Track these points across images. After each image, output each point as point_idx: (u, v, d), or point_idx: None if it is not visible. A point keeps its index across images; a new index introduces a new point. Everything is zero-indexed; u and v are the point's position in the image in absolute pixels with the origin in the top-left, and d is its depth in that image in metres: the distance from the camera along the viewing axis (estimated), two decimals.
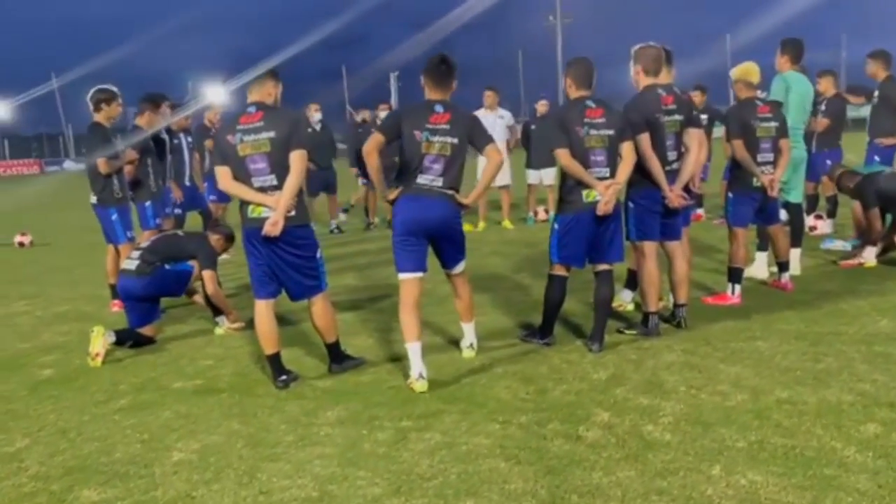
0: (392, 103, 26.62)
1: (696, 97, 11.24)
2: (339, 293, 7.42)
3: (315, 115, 12.25)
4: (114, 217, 7.09)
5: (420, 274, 4.76)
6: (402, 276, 4.75)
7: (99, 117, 7.05)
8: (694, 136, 5.45)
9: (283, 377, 4.78)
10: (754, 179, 6.13)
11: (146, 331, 5.91)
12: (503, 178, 11.56)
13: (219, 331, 6.17)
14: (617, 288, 6.42)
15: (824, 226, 9.29)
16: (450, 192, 4.72)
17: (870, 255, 7.40)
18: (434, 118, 4.61)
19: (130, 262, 6.02)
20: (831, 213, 9.39)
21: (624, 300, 6.26)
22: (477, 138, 4.75)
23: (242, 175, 4.61)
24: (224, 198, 10.05)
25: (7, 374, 5.40)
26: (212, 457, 3.80)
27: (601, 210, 4.91)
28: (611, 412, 4.09)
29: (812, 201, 9.77)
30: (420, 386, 4.53)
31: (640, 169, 5.29)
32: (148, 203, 7.69)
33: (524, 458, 3.59)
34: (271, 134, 4.55)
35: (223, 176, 4.66)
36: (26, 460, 3.90)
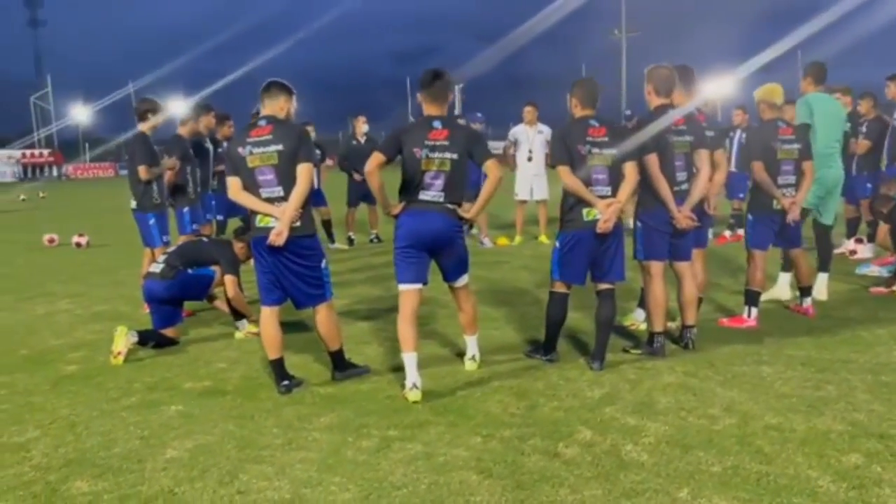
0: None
1: (738, 116, 11.12)
2: (360, 302, 7.58)
3: (363, 126, 12.45)
4: (151, 221, 7.44)
5: (419, 286, 4.86)
6: (402, 287, 4.86)
7: (143, 127, 7.40)
8: (704, 157, 5.41)
9: (286, 382, 4.93)
10: (775, 202, 6.05)
11: (168, 332, 6.16)
12: (541, 192, 11.62)
13: (239, 335, 6.39)
14: (631, 307, 6.43)
15: (865, 250, 9.04)
16: (451, 206, 4.81)
17: None
18: (433, 134, 4.71)
19: (156, 266, 6.30)
20: (872, 237, 9.12)
21: (637, 319, 6.22)
22: (476, 153, 4.83)
23: (251, 186, 4.80)
24: None
25: (36, 368, 5.70)
26: (201, 456, 3.97)
27: (601, 228, 4.92)
28: (594, 431, 4.11)
29: (852, 224, 9.53)
30: (413, 396, 4.62)
31: (649, 188, 5.30)
32: (186, 209, 8.09)
33: (497, 472, 3.65)
34: (279, 147, 4.72)
35: (233, 186, 4.86)
36: (32, 451, 4.13)
